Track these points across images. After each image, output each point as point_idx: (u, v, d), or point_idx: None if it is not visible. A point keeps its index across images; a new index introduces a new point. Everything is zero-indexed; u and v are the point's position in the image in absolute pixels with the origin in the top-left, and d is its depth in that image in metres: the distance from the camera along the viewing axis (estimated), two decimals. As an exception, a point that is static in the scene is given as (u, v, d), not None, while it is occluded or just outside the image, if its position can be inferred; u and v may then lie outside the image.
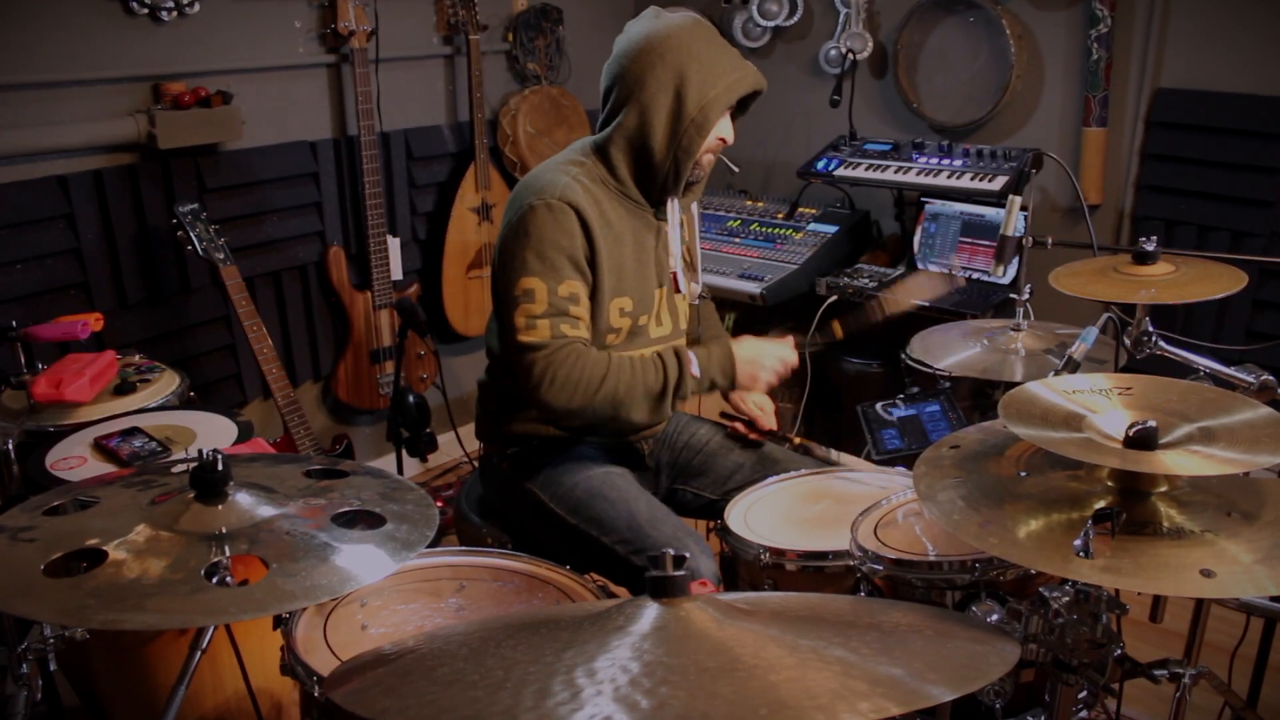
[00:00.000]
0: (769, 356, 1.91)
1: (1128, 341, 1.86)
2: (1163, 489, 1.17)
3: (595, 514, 1.80)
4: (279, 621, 1.40)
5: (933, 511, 1.20)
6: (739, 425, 2.09)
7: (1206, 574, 1.02)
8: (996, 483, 1.24)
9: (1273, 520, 1.11)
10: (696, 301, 2.08)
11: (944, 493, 1.23)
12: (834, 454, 2.02)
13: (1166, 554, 1.07)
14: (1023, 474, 1.26)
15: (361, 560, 1.16)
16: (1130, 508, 1.13)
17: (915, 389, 2.17)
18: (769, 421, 2.08)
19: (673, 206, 1.90)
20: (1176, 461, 1.13)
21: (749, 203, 3.64)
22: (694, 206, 2.03)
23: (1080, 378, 1.36)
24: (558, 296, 1.75)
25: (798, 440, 2.06)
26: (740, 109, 1.92)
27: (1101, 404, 1.28)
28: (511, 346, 1.76)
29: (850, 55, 3.46)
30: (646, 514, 1.78)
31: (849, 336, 2.11)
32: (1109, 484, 1.19)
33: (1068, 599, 1.19)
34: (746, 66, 1.84)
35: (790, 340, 1.98)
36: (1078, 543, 1.07)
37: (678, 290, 1.94)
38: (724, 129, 1.85)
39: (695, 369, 1.82)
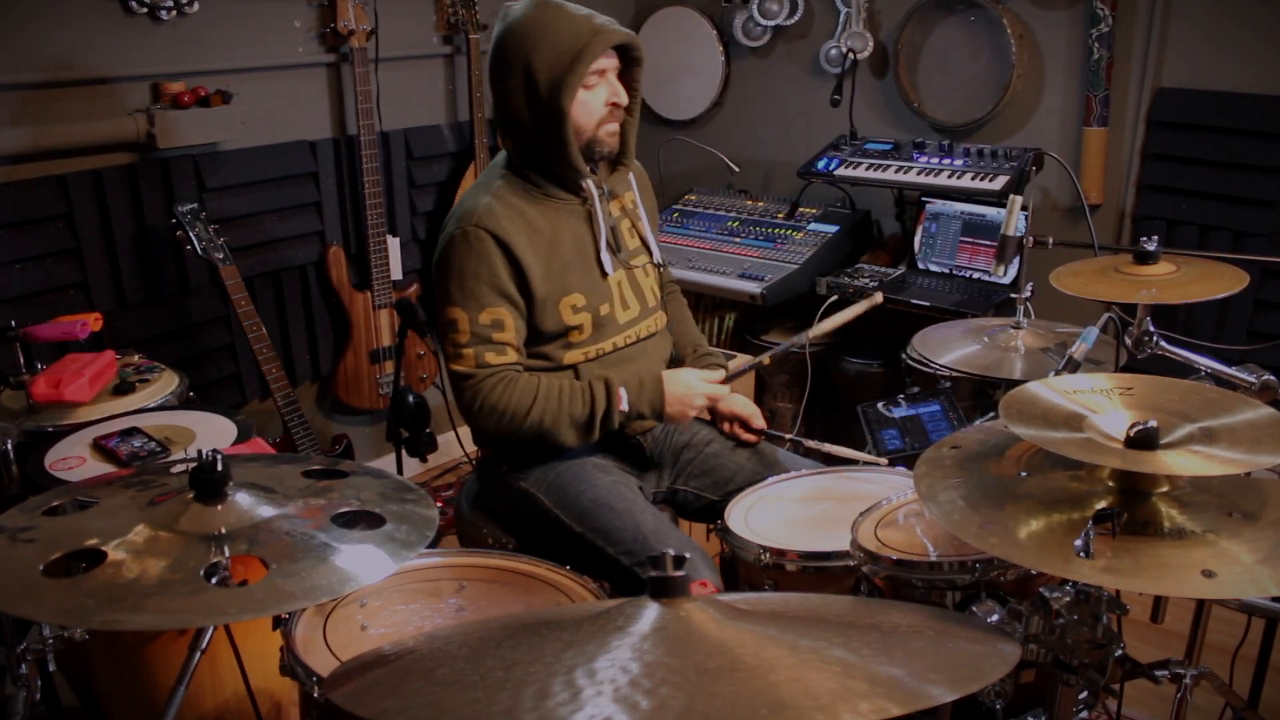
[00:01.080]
0: (698, 393, 1.92)
1: (1128, 341, 1.85)
2: (1164, 489, 1.16)
3: (601, 524, 1.80)
4: (278, 622, 1.40)
5: (933, 512, 1.20)
6: (731, 426, 2.08)
7: (1208, 574, 1.02)
8: (997, 483, 1.24)
9: (1274, 520, 1.11)
10: (660, 267, 2.06)
11: (945, 493, 1.23)
12: (830, 449, 2.00)
13: (1167, 554, 1.07)
14: (1023, 474, 1.25)
15: (361, 561, 1.15)
16: (1131, 508, 1.13)
17: (916, 389, 2.17)
18: (759, 420, 2.07)
19: (590, 188, 1.88)
20: (1178, 462, 1.13)
21: (749, 202, 3.63)
22: (631, 178, 2.01)
23: (1081, 377, 1.36)
24: (479, 324, 1.79)
25: (789, 437, 2.05)
26: (631, 67, 1.87)
27: (1102, 404, 1.28)
28: (446, 370, 1.84)
29: (851, 55, 3.46)
30: (653, 527, 1.78)
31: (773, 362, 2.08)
32: (1110, 484, 1.19)
33: (1068, 599, 1.19)
34: (595, 30, 1.76)
35: (721, 374, 1.99)
36: (1078, 543, 1.07)
37: (602, 274, 1.91)
38: (610, 94, 1.81)
39: (624, 404, 1.85)
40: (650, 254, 2.03)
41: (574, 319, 1.86)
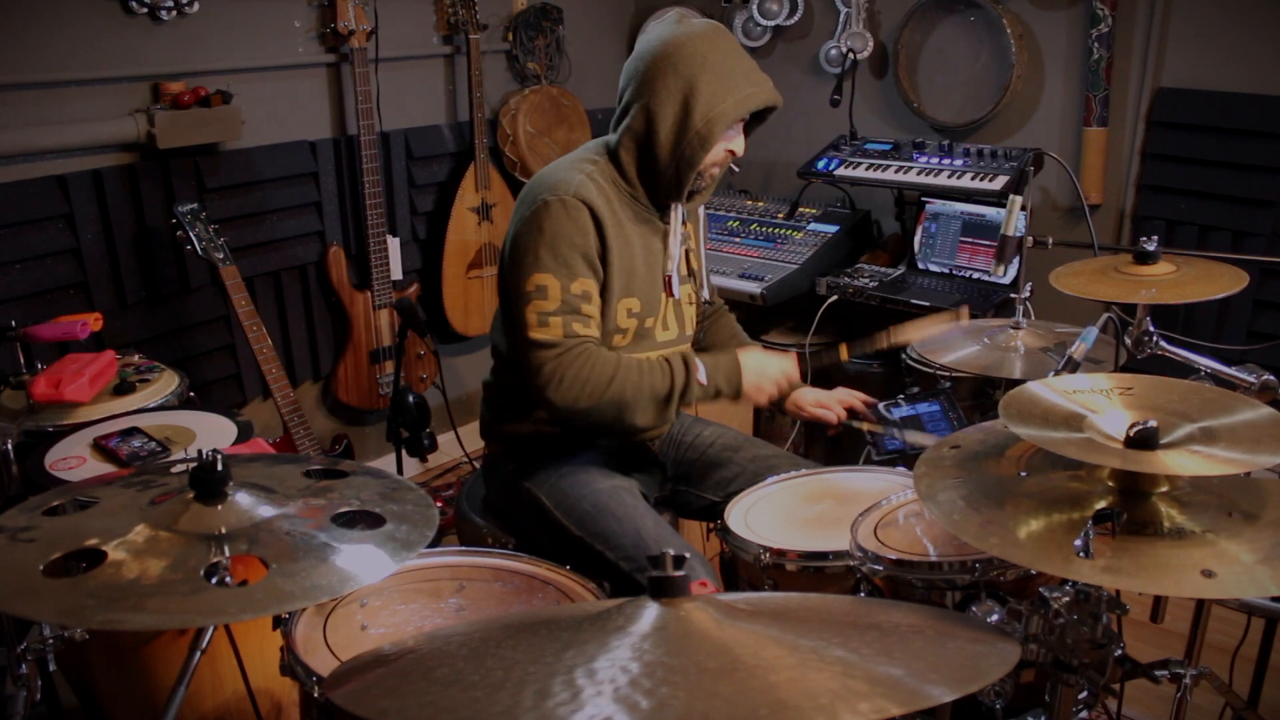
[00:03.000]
0: (774, 369, 1.92)
1: (1128, 341, 1.85)
2: (1163, 489, 1.16)
3: (601, 529, 1.80)
4: (278, 622, 1.40)
5: (933, 512, 1.20)
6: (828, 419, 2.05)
7: (1207, 574, 1.02)
8: (997, 483, 1.24)
9: (1274, 520, 1.11)
10: (705, 304, 2.08)
11: (944, 493, 1.23)
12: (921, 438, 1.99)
13: (1167, 554, 1.07)
14: (1023, 474, 1.25)
15: (361, 560, 1.15)
16: (1131, 508, 1.13)
17: (915, 389, 2.17)
18: (837, 411, 2.05)
19: (676, 211, 1.90)
20: (1177, 462, 1.13)
21: (749, 202, 3.64)
22: (701, 211, 2.03)
23: (1081, 377, 1.36)
24: (570, 294, 1.74)
25: (867, 427, 2.03)
26: (755, 120, 1.90)
27: (1102, 404, 1.28)
28: (521, 343, 1.76)
29: (851, 55, 3.46)
30: (653, 533, 1.78)
31: (852, 360, 2.11)
32: (1109, 484, 1.19)
33: (1068, 599, 1.19)
34: (761, 81, 1.82)
35: (794, 356, 1.99)
36: (1078, 543, 1.07)
37: (670, 294, 1.92)
38: (733, 142, 1.84)
39: (702, 376, 1.83)
40: (698, 286, 2.04)
41: (624, 322, 1.86)
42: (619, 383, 1.75)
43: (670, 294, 1.92)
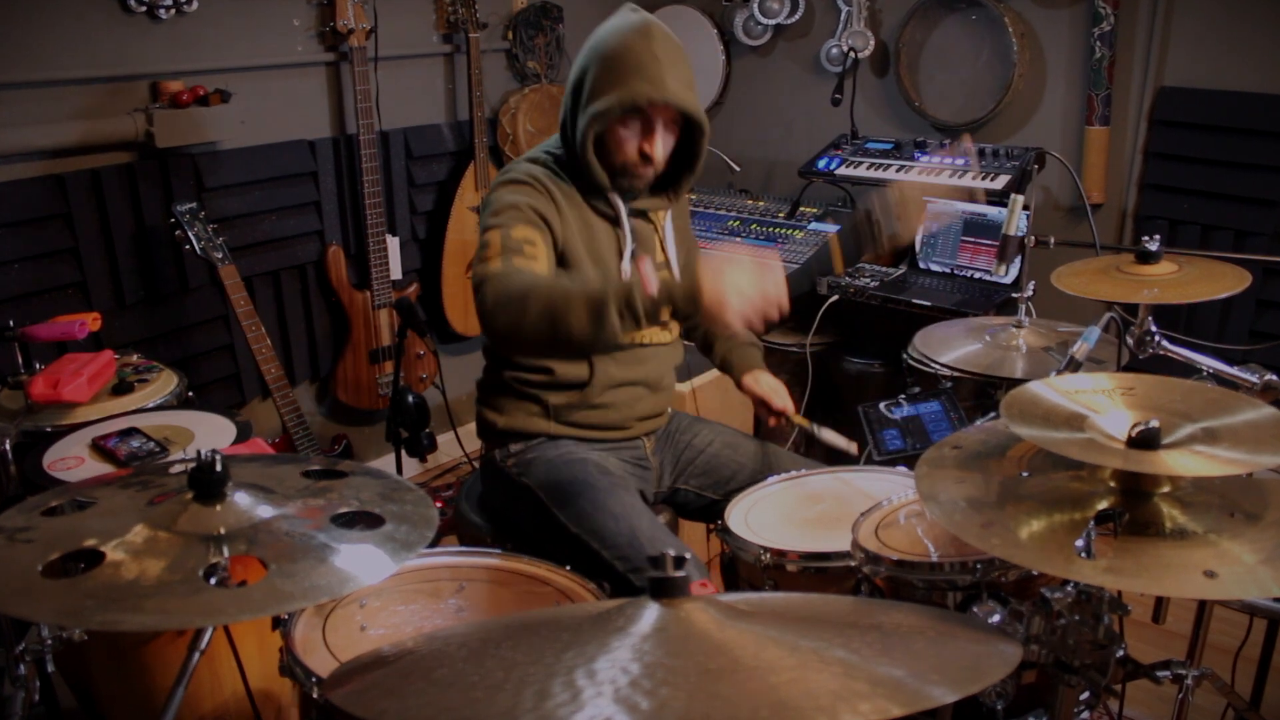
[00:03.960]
0: (746, 281, 1.47)
1: (1130, 341, 1.85)
2: (1165, 489, 1.16)
3: (597, 527, 1.79)
4: (278, 622, 1.40)
5: (934, 512, 1.20)
6: (758, 408, 2.08)
7: (1210, 575, 1.02)
8: (999, 483, 1.23)
9: (1276, 520, 1.11)
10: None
11: (946, 493, 1.23)
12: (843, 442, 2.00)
13: (1169, 555, 1.06)
14: (1025, 474, 1.25)
15: (361, 561, 1.15)
16: (1133, 508, 1.13)
17: (917, 389, 2.17)
18: (784, 401, 2.06)
19: (617, 204, 1.88)
20: (1179, 462, 1.13)
21: (750, 202, 3.63)
22: (666, 219, 2.00)
23: (1082, 377, 1.36)
24: (511, 238, 1.72)
25: (805, 422, 2.04)
26: (693, 133, 1.84)
27: (1104, 404, 1.27)
28: (474, 289, 1.70)
29: (852, 53, 3.46)
30: (648, 533, 1.77)
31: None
32: (1111, 484, 1.18)
33: (1070, 600, 1.19)
34: (655, 79, 1.72)
35: (776, 265, 1.53)
36: (1080, 543, 1.06)
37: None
38: (645, 141, 1.79)
39: (653, 286, 1.50)
40: (672, 272, 2.02)
41: None
42: (546, 286, 1.56)
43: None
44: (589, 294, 1.50)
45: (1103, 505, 1.14)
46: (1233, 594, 1.02)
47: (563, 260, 1.82)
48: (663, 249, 2.01)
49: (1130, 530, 1.10)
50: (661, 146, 1.83)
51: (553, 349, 1.74)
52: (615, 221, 1.90)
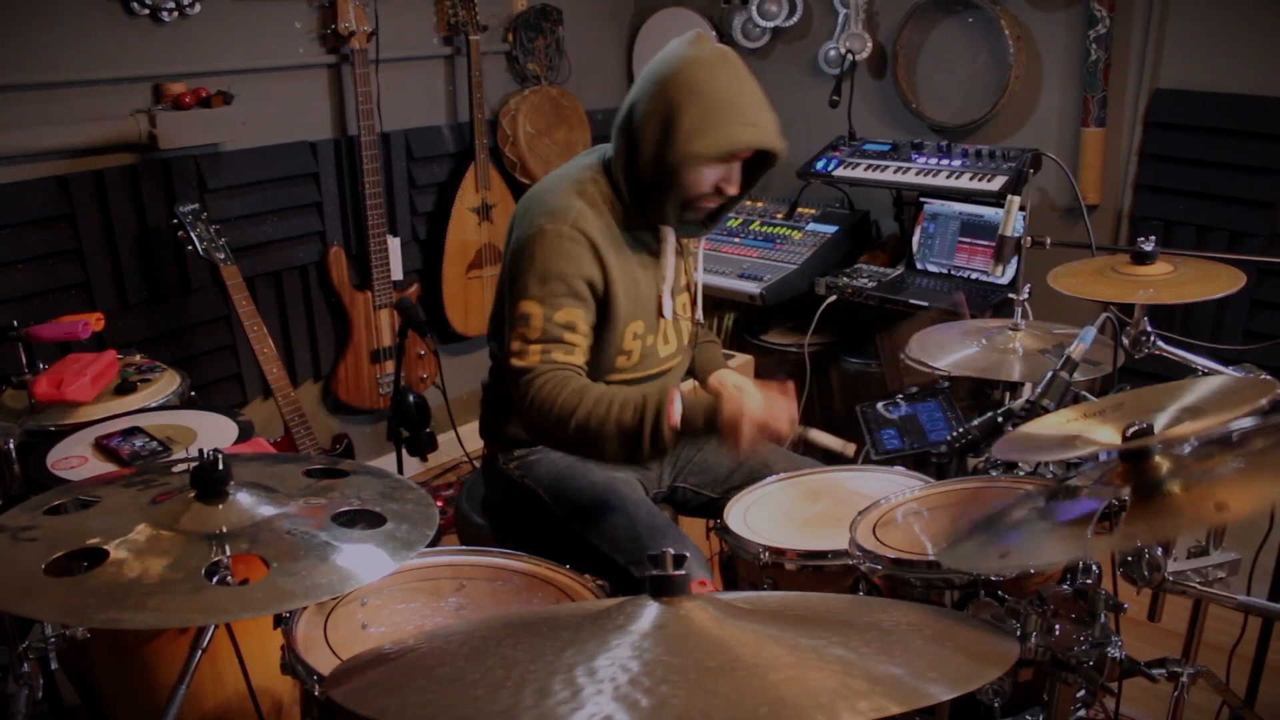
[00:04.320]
0: (756, 406, 1.62)
1: (1126, 341, 1.86)
2: (1168, 469, 1.17)
3: (599, 524, 1.80)
4: (279, 620, 1.40)
5: (953, 563, 1.23)
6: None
7: (1220, 507, 1.06)
8: (1008, 520, 1.26)
9: (1269, 453, 1.15)
10: (699, 324, 2.05)
11: (962, 548, 1.25)
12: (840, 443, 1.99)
13: (1178, 504, 1.11)
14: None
15: (362, 559, 1.16)
16: (1142, 499, 1.15)
17: (914, 388, 2.18)
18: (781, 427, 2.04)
19: (666, 235, 1.87)
20: (1177, 431, 1.18)
21: (748, 202, 3.64)
22: (701, 243, 2.01)
23: (1060, 414, 1.41)
24: (552, 323, 1.71)
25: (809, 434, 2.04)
26: (762, 163, 1.81)
27: (1089, 426, 1.32)
28: (506, 364, 1.75)
29: (849, 56, 3.47)
30: (648, 526, 1.78)
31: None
32: (1118, 485, 1.19)
33: (1066, 598, 1.20)
34: (758, 122, 1.72)
35: (790, 392, 1.72)
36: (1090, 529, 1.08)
37: (660, 313, 1.89)
38: (722, 179, 1.76)
39: (676, 415, 1.64)
40: (692, 304, 2.02)
41: (630, 344, 1.84)
42: (583, 415, 1.66)
43: (661, 314, 1.90)
44: (623, 429, 1.64)
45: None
46: (1244, 511, 1.06)
47: (602, 311, 1.78)
48: (689, 277, 2.01)
49: (1140, 501, 1.12)
50: (737, 184, 1.80)
51: (585, 456, 1.84)
52: (655, 252, 1.87)
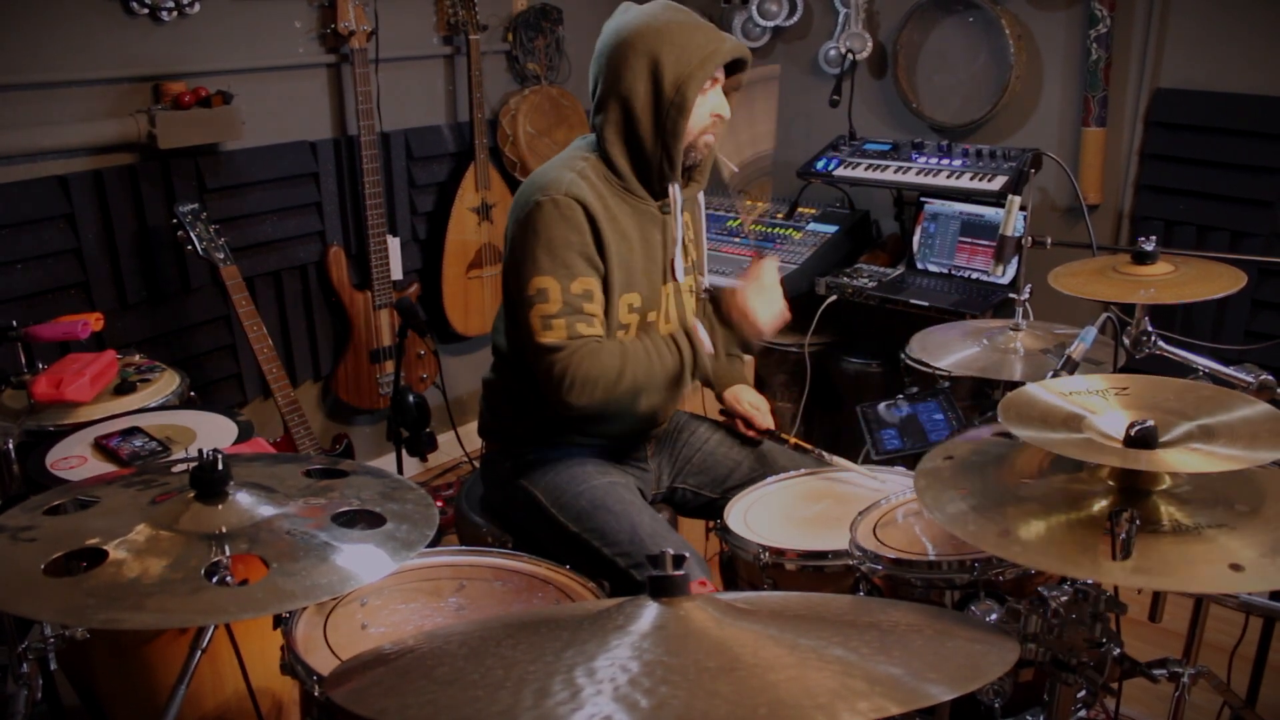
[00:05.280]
0: (766, 312, 1.84)
1: (1127, 341, 1.86)
2: (1163, 487, 1.17)
3: (597, 525, 1.80)
4: (279, 621, 1.40)
5: (944, 521, 1.19)
6: (738, 422, 2.09)
7: (1236, 568, 1.02)
8: (997, 490, 1.24)
9: (1274, 515, 1.11)
10: (704, 295, 2.07)
11: (953, 505, 1.22)
12: (827, 456, 2.01)
13: (1192, 551, 1.07)
14: (1024, 480, 1.25)
15: (361, 560, 1.16)
16: (1131, 506, 1.13)
17: (915, 389, 2.18)
18: (765, 420, 2.08)
19: (675, 194, 1.88)
20: (1178, 459, 1.13)
21: (749, 202, 3.63)
22: (700, 198, 2.02)
23: (1077, 379, 1.36)
24: (571, 294, 1.73)
25: (793, 440, 2.06)
26: (733, 80, 1.89)
27: (1100, 404, 1.28)
28: (529, 348, 1.75)
29: (850, 55, 3.46)
30: (649, 529, 1.78)
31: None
32: (1110, 483, 1.19)
33: (1067, 598, 1.19)
34: (722, 38, 1.82)
35: (767, 263, 1.92)
36: (1121, 537, 1.06)
37: (674, 278, 1.92)
38: (716, 105, 1.84)
39: (709, 344, 1.83)
40: (698, 274, 2.03)
41: (626, 317, 1.85)
42: (630, 372, 1.74)
43: (674, 278, 1.92)
44: (667, 372, 1.80)
45: (1101, 505, 1.14)
46: (1258, 586, 1.03)
47: (607, 286, 1.81)
48: (692, 245, 2.02)
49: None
50: (728, 106, 1.87)
51: (623, 417, 1.91)
52: (655, 222, 1.89)
